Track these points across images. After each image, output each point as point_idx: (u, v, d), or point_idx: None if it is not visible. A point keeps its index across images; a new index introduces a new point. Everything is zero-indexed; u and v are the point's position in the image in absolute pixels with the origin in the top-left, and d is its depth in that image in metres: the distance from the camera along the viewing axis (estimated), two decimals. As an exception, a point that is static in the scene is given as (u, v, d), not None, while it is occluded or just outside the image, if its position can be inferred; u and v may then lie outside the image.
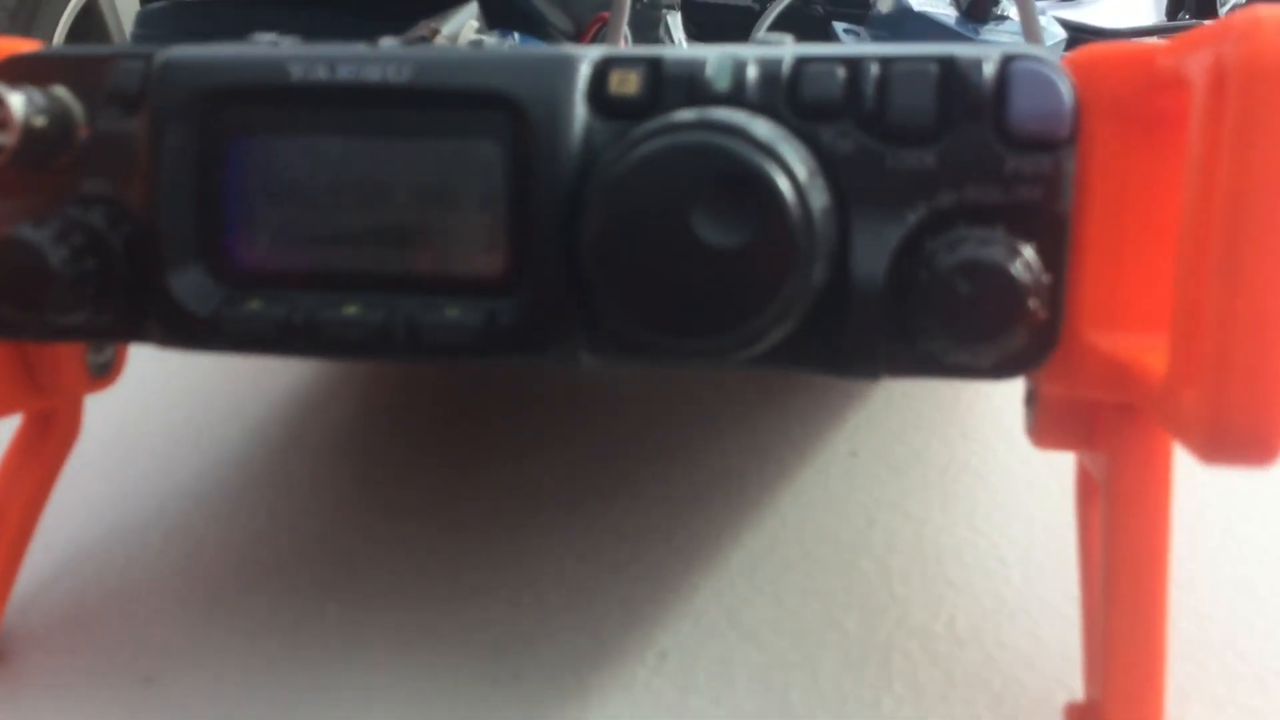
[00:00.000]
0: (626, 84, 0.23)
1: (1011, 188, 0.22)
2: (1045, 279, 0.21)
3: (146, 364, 0.33)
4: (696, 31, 0.85)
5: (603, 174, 0.21)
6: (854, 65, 0.22)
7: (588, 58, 0.23)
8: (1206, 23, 0.86)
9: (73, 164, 0.25)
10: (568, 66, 0.23)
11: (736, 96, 0.22)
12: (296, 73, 0.23)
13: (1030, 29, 0.55)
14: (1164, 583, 0.23)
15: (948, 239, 0.21)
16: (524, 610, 0.30)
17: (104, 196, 0.24)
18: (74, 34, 2.23)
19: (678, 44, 0.74)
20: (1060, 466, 0.32)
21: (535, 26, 0.60)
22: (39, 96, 0.24)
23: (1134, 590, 0.23)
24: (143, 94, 0.24)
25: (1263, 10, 0.18)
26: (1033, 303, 0.21)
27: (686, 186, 0.20)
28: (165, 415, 0.40)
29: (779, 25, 0.81)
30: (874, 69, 0.22)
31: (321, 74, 0.23)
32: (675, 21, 0.79)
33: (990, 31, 0.72)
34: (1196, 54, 0.20)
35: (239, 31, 0.61)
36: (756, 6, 0.84)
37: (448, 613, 0.30)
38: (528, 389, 0.41)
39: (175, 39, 0.62)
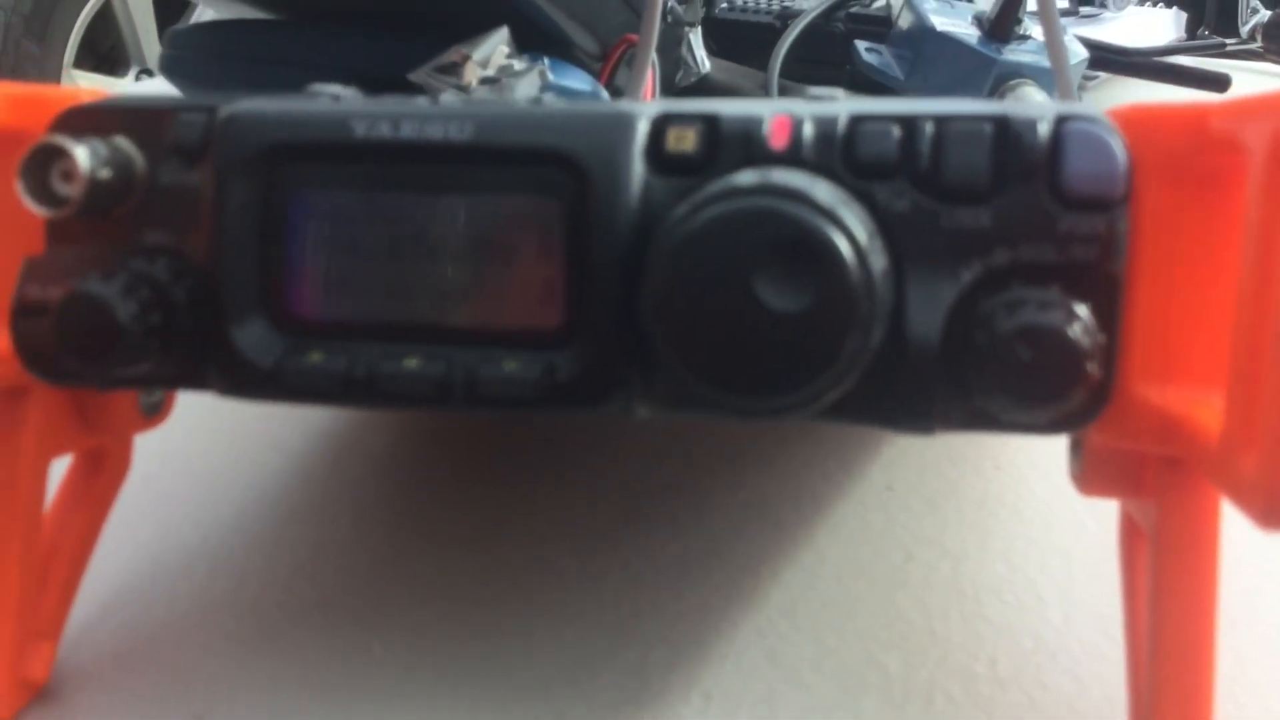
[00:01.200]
0: (684, 141, 0.23)
1: (1066, 247, 0.22)
2: (1100, 339, 0.22)
3: (186, 396, 0.33)
4: (717, 48, 0.85)
5: (668, 236, 0.22)
6: (909, 124, 0.23)
7: (645, 115, 0.23)
8: (1229, 43, 0.86)
9: (132, 214, 0.26)
10: (626, 124, 0.23)
11: (793, 155, 0.23)
12: (360, 130, 0.24)
13: (1055, 51, 0.55)
14: (1213, 633, 0.24)
15: (1004, 299, 0.22)
16: (567, 648, 0.31)
17: (167, 248, 0.25)
18: (87, 40, 2.24)
19: (700, 62, 0.74)
20: (1096, 502, 0.32)
21: (561, 49, 0.61)
22: (102, 148, 0.25)
23: (1182, 641, 0.24)
24: (205, 147, 0.25)
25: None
26: (1090, 366, 0.21)
27: (750, 251, 0.21)
28: (205, 447, 0.40)
29: (800, 43, 0.81)
30: (929, 128, 0.23)
31: (385, 131, 0.23)
32: (696, 39, 0.79)
33: (1012, 51, 0.72)
34: (1256, 124, 0.20)
35: (270, 53, 0.62)
36: (778, 24, 0.84)
37: (490, 650, 0.31)
38: (562, 425, 0.41)
39: (206, 59, 0.62)
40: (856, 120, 0.23)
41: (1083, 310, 0.21)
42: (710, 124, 0.23)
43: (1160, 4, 0.95)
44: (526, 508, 0.37)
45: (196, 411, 0.40)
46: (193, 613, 0.33)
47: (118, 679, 0.30)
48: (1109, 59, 0.78)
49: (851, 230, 0.21)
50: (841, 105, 0.23)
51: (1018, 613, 0.31)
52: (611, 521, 0.36)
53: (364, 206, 0.24)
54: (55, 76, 2.18)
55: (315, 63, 0.60)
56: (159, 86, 0.94)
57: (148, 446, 0.34)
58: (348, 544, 0.35)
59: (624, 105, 0.24)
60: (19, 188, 0.24)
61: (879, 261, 0.21)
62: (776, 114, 0.23)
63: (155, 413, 0.31)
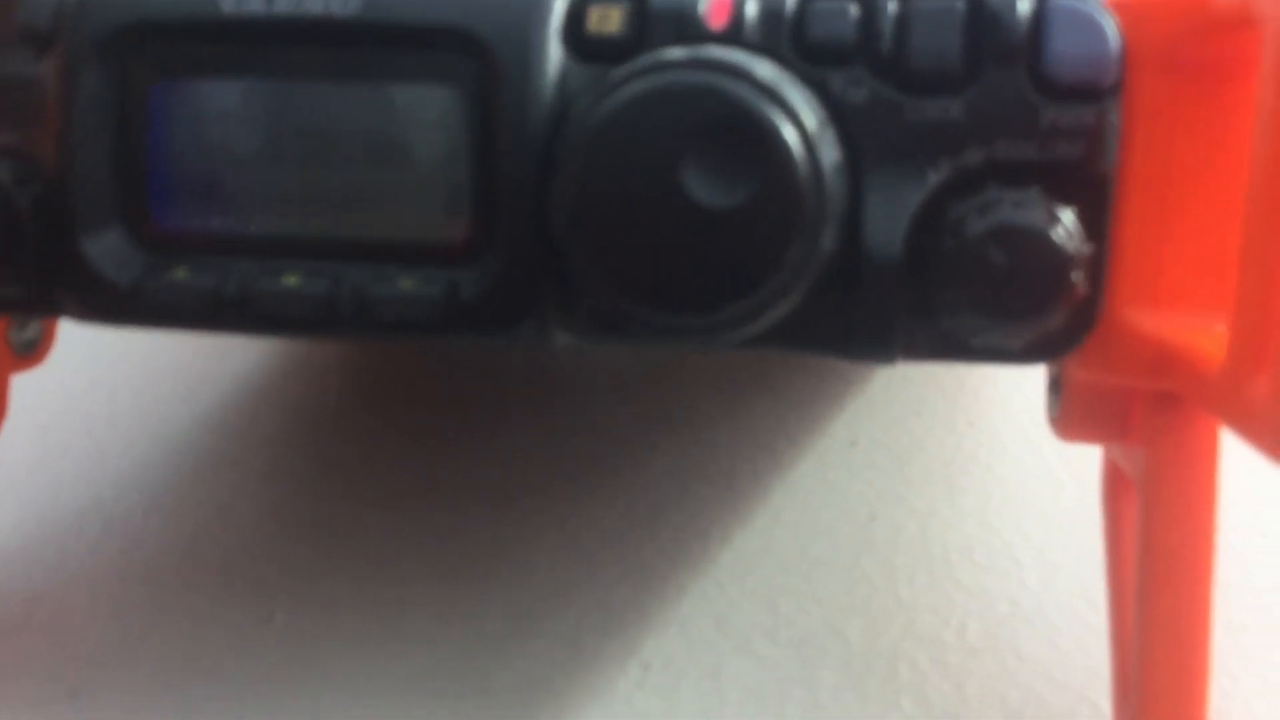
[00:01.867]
0: (607, 21, 0.20)
1: (1048, 143, 0.19)
2: (1086, 248, 0.19)
3: (83, 341, 0.30)
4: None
5: (579, 122, 0.18)
6: (868, 2, 0.20)
7: (563, -9, 0.20)
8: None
9: None
10: (540, 1, 0.20)
11: (733, 35, 0.19)
12: (228, 6, 0.20)
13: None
14: (1208, 591, 0.21)
15: (977, 202, 0.18)
16: (492, 616, 0.28)
17: (10, 149, 0.21)
18: None
19: None
20: (1073, 457, 0.29)
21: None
22: (-65, 35, 0.21)
23: (1175, 599, 0.21)
24: (55, 33, 0.21)
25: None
26: (1075, 275, 0.18)
27: (676, 135, 0.18)
28: (105, 396, 0.37)
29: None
30: (891, 7, 0.19)
31: (257, 7, 0.20)
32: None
33: None
34: (1272, -13, 0.17)
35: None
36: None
37: (407, 619, 0.28)
38: (497, 368, 0.38)
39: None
40: None
41: (1067, 214, 0.18)
42: (637, 2, 0.20)
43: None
44: (453, 464, 0.33)
45: (94, 358, 0.37)
46: (80, 576, 0.29)
47: (-13, 648, 0.27)
48: None
49: (798, 113, 0.18)
50: None
51: (991, 576, 0.28)
52: (546, 478, 0.33)
53: (235, 98, 0.21)
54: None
55: None
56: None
57: (37, 394, 0.31)
58: (257, 504, 0.32)
59: None
60: None
61: (830, 153, 0.18)
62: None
63: (30, 351, 0.28)
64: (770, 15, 0.20)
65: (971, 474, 0.33)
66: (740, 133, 0.18)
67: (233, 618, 0.28)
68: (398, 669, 0.26)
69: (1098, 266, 0.19)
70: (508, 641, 0.27)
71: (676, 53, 0.18)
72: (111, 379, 0.38)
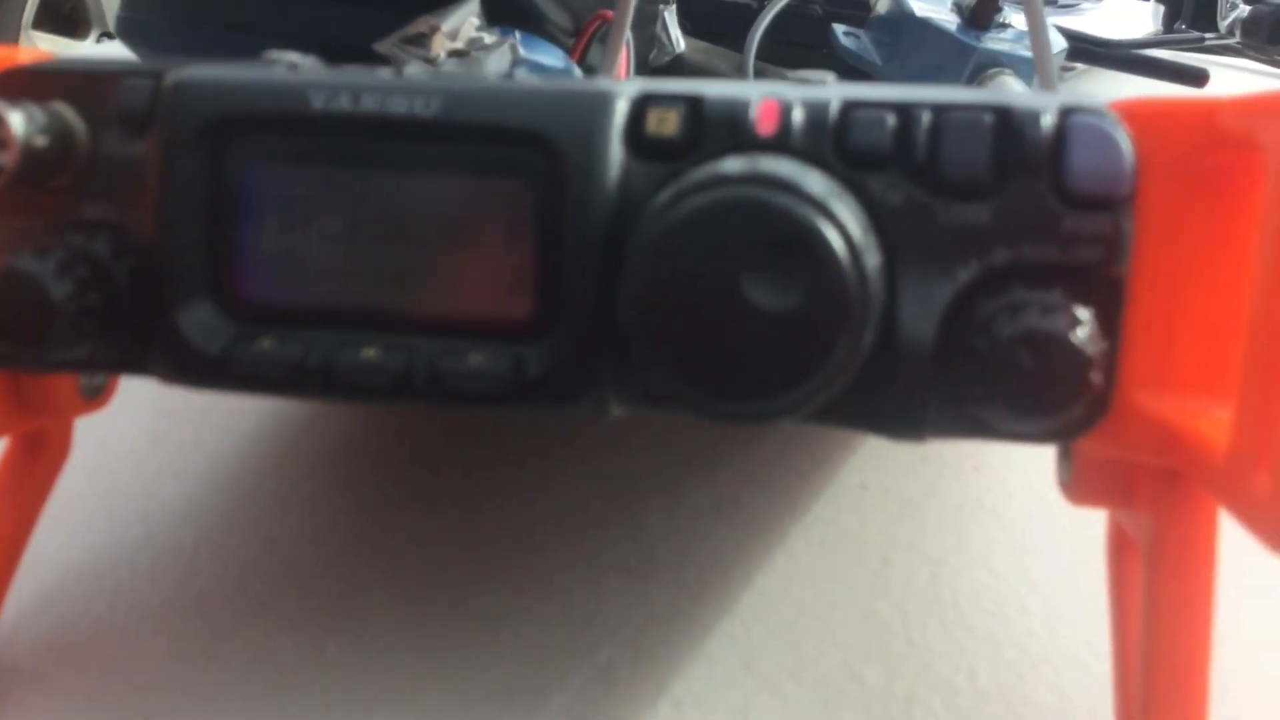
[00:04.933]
0: (665, 124, 0.22)
1: (1069, 248, 0.21)
2: (1103, 346, 0.20)
3: (135, 382, 0.32)
4: (692, 27, 0.83)
5: (649, 226, 0.20)
6: (904, 112, 0.21)
7: (625, 94, 0.22)
8: (1208, 38, 0.85)
9: (72, 184, 0.24)
10: (604, 104, 0.22)
11: (781, 141, 0.21)
12: (318, 101, 0.22)
13: (1039, 41, 0.54)
14: (1208, 650, 0.23)
15: (1005, 302, 0.20)
16: (531, 651, 0.29)
17: (108, 222, 0.23)
18: (46, 0, 2.18)
19: (674, 41, 0.73)
20: (1076, 508, 0.31)
21: (533, 24, 0.59)
22: (39, 114, 0.23)
23: (1177, 658, 0.23)
24: (152, 115, 0.23)
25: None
26: (1094, 375, 0.20)
27: (737, 245, 0.19)
28: (152, 431, 0.38)
29: (777, 24, 0.79)
30: (926, 117, 0.21)
31: (345, 104, 0.22)
32: (671, 17, 0.77)
33: (992, 39, 0.71)
34: (1274, 122, 0.19)
35: (231, 19, 0.59)
36: (755, 4, 0.83)
37: (450, 652, 0.29)
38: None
39: (164, 22, 0.60)
40: (850, 106, 0.22)
41: (1086, 315, 0.20)
42: (694, 106, 0.22)
43: (1139, -4, 0.95)
44: (489, 504, 0.35)
45: (142, 393, 0.39)
46: (137, 607, 0.31)
47: (58, 678, 0.28)
48: (1087, 50, 0.77)
49: (844, 224, 0.20)
50: (833, 90, 0.22)
51: (999, 622, 0.30)
52: (577, 520, 0.34)
53: (321, 183, 0.22)
54: (14, 37, 2.13)
55: (278, 30, 0.58)
56: (118, 50, 0.92)
57: (90, 429, 0.32)
58: (303, 537, 0.34)
59: (602, 83, 0.22)
60: (-53, 155, 0.23)
61: (873, 259, 0.20)
62: (765, 97, 0.22)
63: (97, 396, 0.29)
64: (814, 123, 0.21)
65: (979, 520, 0.35)
66: (794, 244, 0.19)
67: (288, 649, 0.29)
68: (440, 701, 0.28)
69: (1111, 359, 0.21)
70: (545, 678, 0.29)
71: (735, 165, 0.20)
72: (153, 413, 0.39)
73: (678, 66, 0.78)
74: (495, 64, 0.51)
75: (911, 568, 0.32)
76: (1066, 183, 0.21)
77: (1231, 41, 0.83)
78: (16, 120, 0.22)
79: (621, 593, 0.31)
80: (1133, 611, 0.25)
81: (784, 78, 0.23)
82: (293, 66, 0.23)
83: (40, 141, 0.23)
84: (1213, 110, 0.21)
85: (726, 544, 0.33)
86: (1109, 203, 0.21)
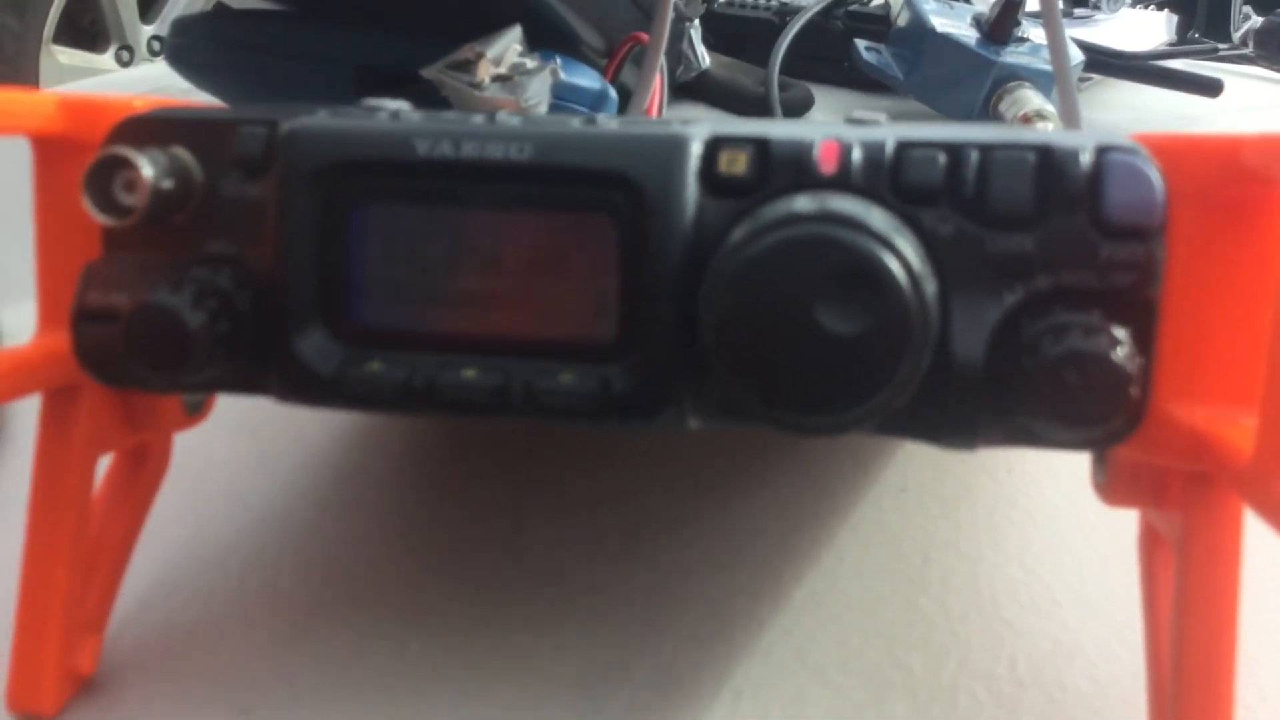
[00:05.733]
0: (735, 164, 0.24)
1: (1106, 274, 0.23)
2: (1139, 362, 0.23)
3: (222, 400, 0.34)
4: (716, 43, 0.86)
5: (728, 260, 0.22)
6: (954, 151, 0.24)
7: (698, 137, 0.24)
8: (1222, 48, 0.87)
9: (191, 222, 0.26)
10: (681, 147, 0.24)
11: (842, 179, 0.24)
12: (422, 149, 0.24)
13: (1059, 56, 0.56)
14: (1234, 642, 0.25)
15: (1049, 324, 0.22)
16: (600, 645, 0.32)
17: (229, 257, 0.26)
18: (67, 16, 2.22)
19: (700, 57, 0.75)
20: (1105, 507, 0.33)
21: (569, 46, 0.61)
22: (162, 158, 0.25)
23: (1207, 650, 0.25)
24: (267, 160, 0.25)
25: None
26: (1133, 389, 0.22)
27: (811, 277, 0.22)
28: (230, 440, 0.41)
29: (800, 39, 0.82)
30: (974, 155, 0.24)
31: (447, 150, 0.24)
32: (696, 34, 0.80)
33: (1011, 53, 0.73)
34: (1292, 161, 0.21)
35: (278, 46, 0.62)
36: (777, 20, 0.85)
37: (525, 647, 0.31)
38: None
39: (212, 48, 0.62)
40: (903, 146, 0.24)
41: (1123, 335, 0.22)
42: (761, 147, 0.24)
43: (1152, 6, 0.96)
44: (554, 507, 0.37)
45: (218, 404, 0.41)
46: (231, 607, 0.33)
47: (163, 673, 0.31)
48: (1103, 61, 0.79)
49: (906, 257, 0.22)
50: (887, 130, 0.24)
51: (1034, 615, 0.32)
52: (636, 523, 0.37)
53: (423, 221, 0.25)
54: (35, 51, 2.16)
55: (324, 56, 0.60)
56: (154, 71, 0.94)
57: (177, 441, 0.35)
58: (377, 539, 0.36)
59: (678, 127, 0.24)
60: (84, 198, 0.25)
61: (930, 286, 0.22)
62: (825, 138, 0.24)
63: (197, 411, 0.32)
64: (872, 162, 0.24)
65: (1013, 519, 0.37)
66: (863, 275, 0.22)
67: (372, 645, 0.32)
68: (517, 692, 0.30)
69: (1146, 374, 0.23)
70: (614, 671, 0.31)
71: (805, 204, 0.22)
72: (229, 427, 0.42)
73: (703, 82, 0.80)
74: (537, 88, 0.53)
75: (950, 565, 0.35)
76: (1103, 215, 0.23)
77: (1245, 51, 0.85)
78: (146, 166, 0.25)
79: (682, 591, 0.34)
80: (1164, 603, 0.27)
81: (808, 92, 0.25)
82: (395, 115, 0.25)
83: (166, 184, 0.25)
84: (1237, 147, 0.23)
85: (776, 544, 0.36)
86: (1142, 233, 0.23)
